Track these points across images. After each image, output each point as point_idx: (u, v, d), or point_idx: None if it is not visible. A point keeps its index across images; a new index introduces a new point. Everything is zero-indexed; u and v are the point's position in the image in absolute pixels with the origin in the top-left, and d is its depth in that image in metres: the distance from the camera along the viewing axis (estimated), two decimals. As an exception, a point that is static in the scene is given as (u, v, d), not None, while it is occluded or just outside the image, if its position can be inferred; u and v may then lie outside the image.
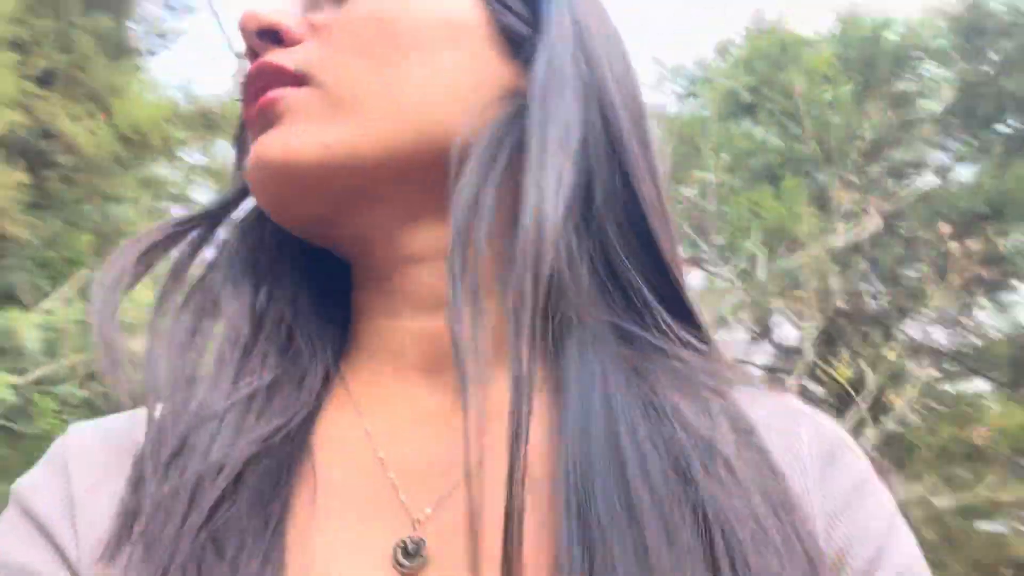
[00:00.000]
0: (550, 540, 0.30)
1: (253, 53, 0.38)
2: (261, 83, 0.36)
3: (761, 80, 6.30)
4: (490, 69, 0.38)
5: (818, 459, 0.35)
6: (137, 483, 0.32)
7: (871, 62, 6.35)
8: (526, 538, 0.29)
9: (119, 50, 6.58)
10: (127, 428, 0.36)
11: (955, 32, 6.59)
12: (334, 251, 0.40)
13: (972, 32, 6.55)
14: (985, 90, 6.54)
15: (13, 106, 5.16)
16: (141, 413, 0.36)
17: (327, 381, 0.38)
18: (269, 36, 0.37)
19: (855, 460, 0.37)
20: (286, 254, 0.40)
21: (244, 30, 0.37)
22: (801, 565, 0.29)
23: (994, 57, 6.56)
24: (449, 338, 0.32)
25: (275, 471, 0.32)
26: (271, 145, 0.35)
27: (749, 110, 6.46)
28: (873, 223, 4.35)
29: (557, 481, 0.31)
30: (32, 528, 0.33)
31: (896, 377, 4.61)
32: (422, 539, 0.31)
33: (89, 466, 0.35)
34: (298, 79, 0.36)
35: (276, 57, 0.36)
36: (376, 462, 0.34)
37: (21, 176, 5.42)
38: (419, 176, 0.36)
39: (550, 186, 0.34)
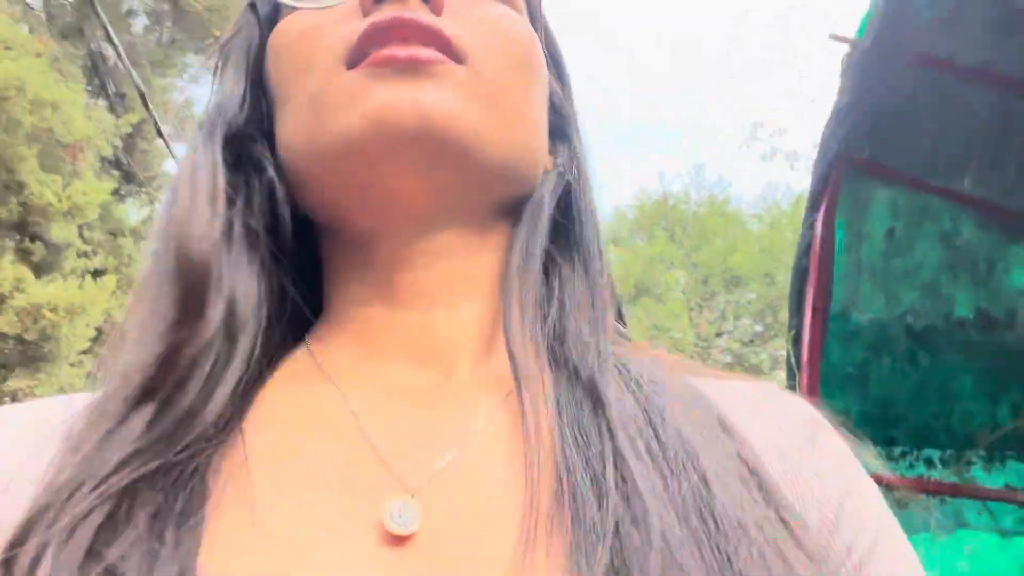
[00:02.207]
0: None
1: None
2: (411, 34, 0.35)
3: (635, 288, 8.71)
4: (546, 130, 0.42)
5: (798, 442, 0.35)
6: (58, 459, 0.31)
7: (707, 280, 8.80)
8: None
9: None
10: (62, 411, 0.34)
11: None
12: (340, 227, 0.39)
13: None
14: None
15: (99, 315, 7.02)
16: (78, 397, 0.35)
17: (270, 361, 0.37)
18: None
19: (834, 440, 0.37)
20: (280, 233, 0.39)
21: None
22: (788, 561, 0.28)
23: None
24: (439, 333, 0.37)
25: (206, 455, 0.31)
26: (436, 102, 0.34)
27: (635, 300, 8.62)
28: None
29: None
30: None
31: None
32: (412, 507, 0.30)
33: (10, 450, 0.33)
34: (456, 54, 0.36)
35: (433, 20, 0.36)
36: (364, 440, 0.33)
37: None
38: (491, 193, 0.38)
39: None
